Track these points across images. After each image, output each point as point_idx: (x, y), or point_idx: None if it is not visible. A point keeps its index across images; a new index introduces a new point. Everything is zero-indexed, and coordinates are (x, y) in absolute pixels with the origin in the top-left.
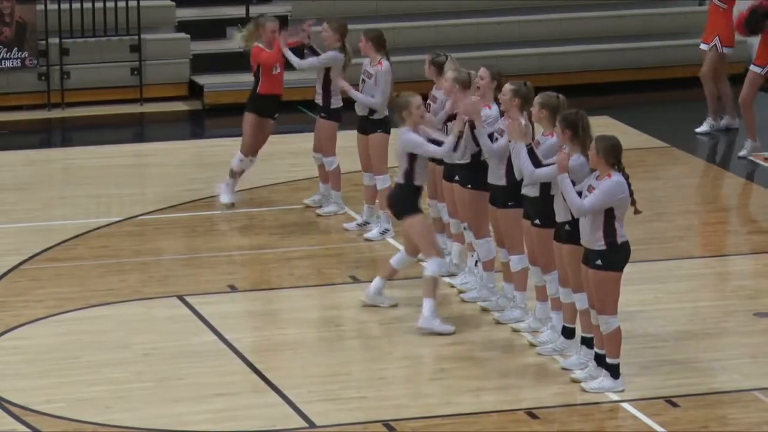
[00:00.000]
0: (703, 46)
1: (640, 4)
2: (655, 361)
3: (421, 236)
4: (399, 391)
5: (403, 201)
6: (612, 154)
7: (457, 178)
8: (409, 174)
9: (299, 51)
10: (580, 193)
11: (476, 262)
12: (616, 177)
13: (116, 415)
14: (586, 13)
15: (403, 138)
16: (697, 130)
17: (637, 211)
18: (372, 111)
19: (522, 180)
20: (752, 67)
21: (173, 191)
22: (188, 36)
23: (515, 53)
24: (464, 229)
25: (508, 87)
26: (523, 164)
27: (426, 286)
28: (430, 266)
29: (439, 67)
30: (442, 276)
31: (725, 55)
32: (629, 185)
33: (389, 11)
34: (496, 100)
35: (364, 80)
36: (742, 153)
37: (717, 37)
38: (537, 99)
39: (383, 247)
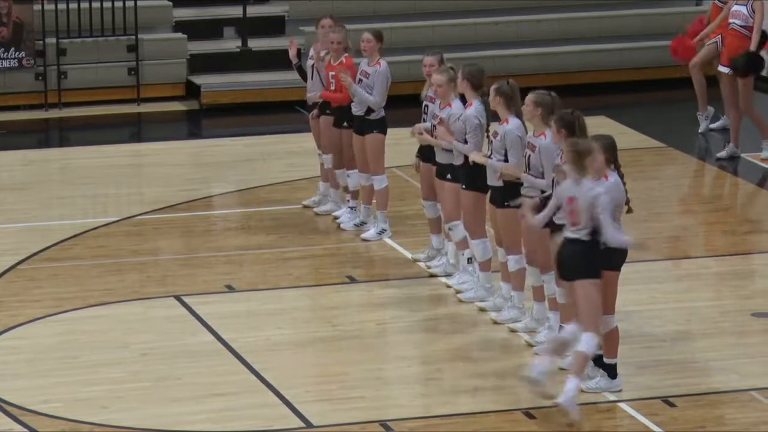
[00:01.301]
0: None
1: (639, 4)
2: (653, 361)
3: (591, 304)
4: (396, 391)
5: (581, 260)
6: (611, 152)
7: (448, 176)
8: (594, 232)
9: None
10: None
11: (468, 259)
12: (613, 178)
13: (113, 415)
14: (584, 13)
15: (591, 194)
16: (712, 126)
17: (629, 210)
18: (369, 111)
19: (519, 180)
20: (721, 68)
21: (171, 191)
22: (185, 36)
23: (513, 53)
24: (449, 229)
25: (491, 87)
26: (610, 233)
27: (576, 362)
28: (585, 342)
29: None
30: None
31: None
32: (624, 184)
33: (387, 11)
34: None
35: (361, 80)
36: (721, 154)
37: (719, 36)
38: (531, 97)
39: (380, 247)
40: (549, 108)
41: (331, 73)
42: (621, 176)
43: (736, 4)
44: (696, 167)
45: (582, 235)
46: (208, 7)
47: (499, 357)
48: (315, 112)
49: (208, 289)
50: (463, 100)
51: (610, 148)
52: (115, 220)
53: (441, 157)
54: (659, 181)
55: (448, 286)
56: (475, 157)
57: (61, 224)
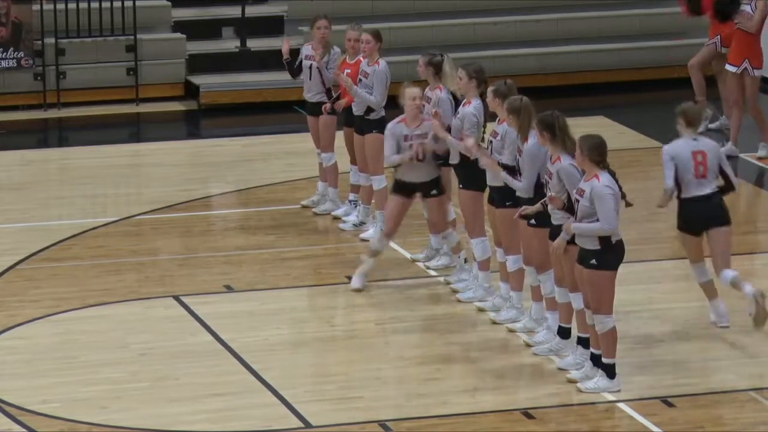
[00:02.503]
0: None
1: (638, 4)
2: (651, 361)
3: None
4: (395, 391)
5: (723, 209)
6: (596, 152)
7: (433, 192)
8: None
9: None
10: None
11: (465, 259)
12: (605, 179)
13: (112, 415)
14: (584, 13)
15: (718, 149)
16: (711, 126)
17: (628, 204)
18: (369, 111)
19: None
20: (728, 66)
21: (169, 191)
22: (184, 36)
23: (513, 53)
24: (443, 238)
25: (489, 89)
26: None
27: (738, 284)
28: (729, 274)
29: (437, 67)
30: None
31: (724, 56)
32: (617, 181)
33: (386, 11)
34: (482, 97)
35: (360, 80)
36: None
37: (718, 37)
38: (489, 88)
39: None
40: (505, 96)
41: (347, 71)
42: (613, 174)
43: None
44: None
45: (713, 188)
46: (207, 7)
47: (498, 357)
48: (327, 105)
49: (207, 289)
50: (456, 100)
51: (595, 148)
52: (114, 220)
53: (427, 175)
54: (659, 181)
55: (448, 283)
56: (473, 149)
57: (59, 224)
